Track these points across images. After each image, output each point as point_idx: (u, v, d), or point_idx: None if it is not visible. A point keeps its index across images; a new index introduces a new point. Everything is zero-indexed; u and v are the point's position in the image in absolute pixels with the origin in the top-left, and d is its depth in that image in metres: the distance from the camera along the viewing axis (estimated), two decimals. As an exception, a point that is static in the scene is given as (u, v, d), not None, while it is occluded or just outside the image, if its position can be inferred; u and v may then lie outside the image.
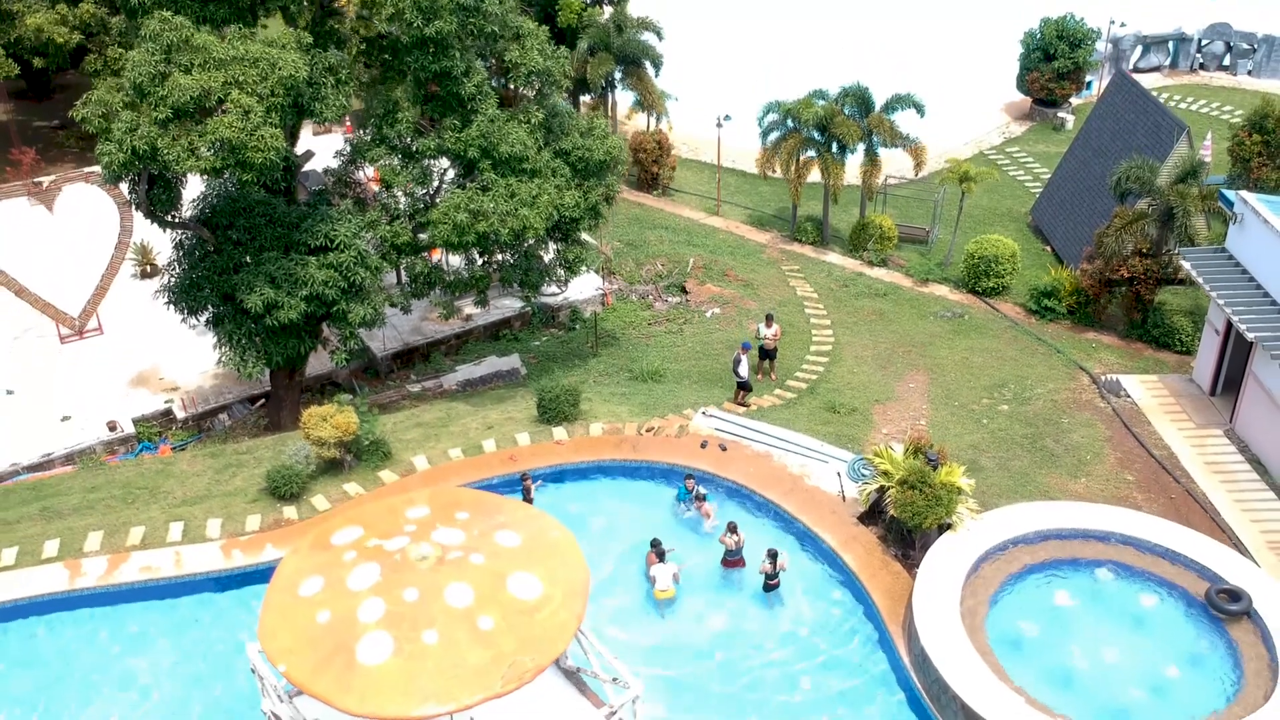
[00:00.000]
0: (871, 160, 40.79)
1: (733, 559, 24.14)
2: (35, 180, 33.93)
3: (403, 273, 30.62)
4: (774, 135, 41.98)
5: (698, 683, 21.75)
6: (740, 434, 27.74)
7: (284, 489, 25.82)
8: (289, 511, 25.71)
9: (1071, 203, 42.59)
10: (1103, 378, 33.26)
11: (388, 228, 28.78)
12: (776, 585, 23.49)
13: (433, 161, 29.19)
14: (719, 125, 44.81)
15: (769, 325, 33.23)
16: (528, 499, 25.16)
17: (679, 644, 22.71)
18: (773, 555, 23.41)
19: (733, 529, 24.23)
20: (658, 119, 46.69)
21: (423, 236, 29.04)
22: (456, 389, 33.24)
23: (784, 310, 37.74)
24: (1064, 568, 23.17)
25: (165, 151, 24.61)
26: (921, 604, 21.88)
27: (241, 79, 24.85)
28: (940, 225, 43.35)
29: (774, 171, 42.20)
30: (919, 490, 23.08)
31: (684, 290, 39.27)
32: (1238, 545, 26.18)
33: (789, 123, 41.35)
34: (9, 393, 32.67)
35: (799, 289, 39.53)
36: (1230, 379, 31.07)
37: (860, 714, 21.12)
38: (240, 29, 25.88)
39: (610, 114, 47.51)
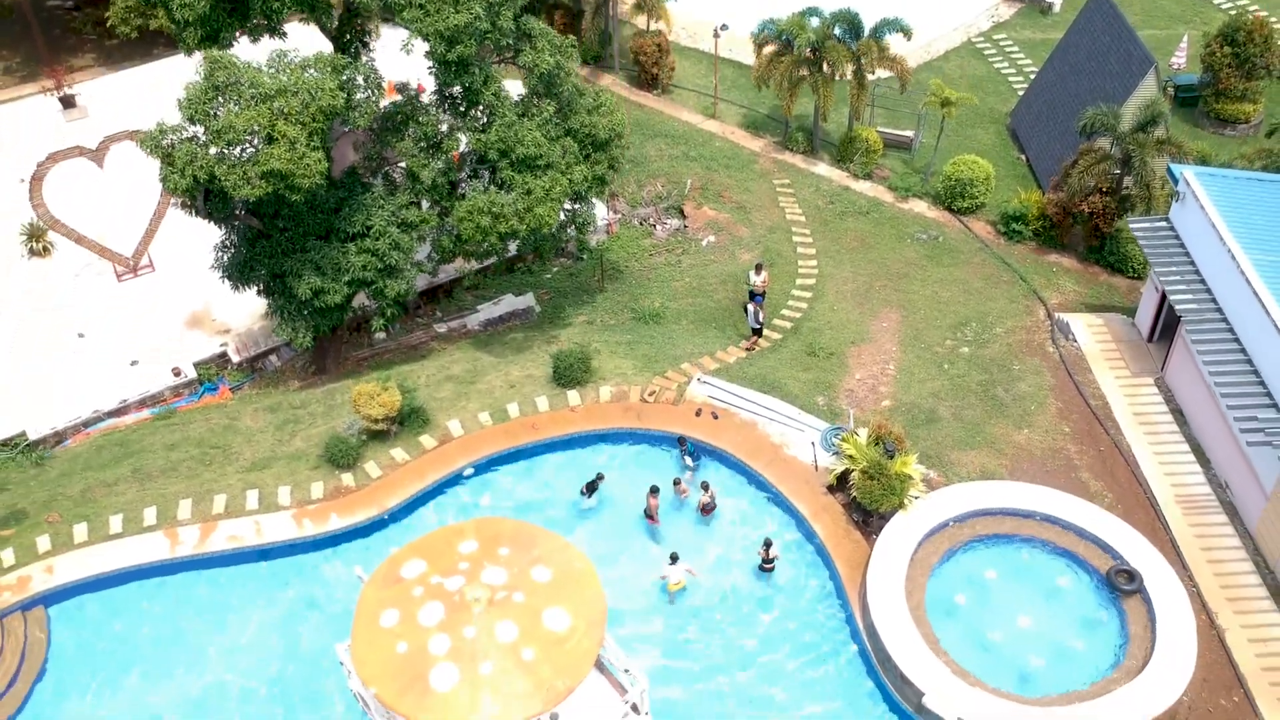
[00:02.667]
0: (860, 83, 43.23)
1: (708, 508, 29.14)
2: (82, 146, 36.64)
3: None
4: (769, 49, 44.20)
5: (678, 634, 27.03)
6: (731, 402, 32.11)
7: (340, 459, 30.39)
8: (347, 479, 30.37)
9: (1047, 115, 45.27)
10: (1055, 316, 37.22)
11: (417, 213, 32.16)
12: (772, 569, 28.42)
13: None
14: (716, 35, 46.85)
15: (758, 273, 37.02)
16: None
17: (679, 604, 27.95)
18: (767, 544, 28.28)
19: (705, 488, 29.09)
20: (658, 19, 48.48)
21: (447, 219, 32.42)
22: (479, 329, 37.29)
23: (773, 237, 41.29)
24: (993, 544, 28.07)
25: (222, 179, 27.88)
26: (873, 579, 26.89)
27: (286, 110, 27.81)
28: (925, 130, 46.08)
29: (769, 87, 44.62)
30: (877, 480, 27.71)
31: (682, 213, 42.61)
32: (1150, 499, 31.05)
33: (783, 38, 43.46)
34: (80, 336, 36.65)
35: (788, 210, 42.85)
36: (1168, 326, 35.03)
37: (819, 672, 26.47)
38: (280, 55, 28.54)
39: (612, 14, 49.20)
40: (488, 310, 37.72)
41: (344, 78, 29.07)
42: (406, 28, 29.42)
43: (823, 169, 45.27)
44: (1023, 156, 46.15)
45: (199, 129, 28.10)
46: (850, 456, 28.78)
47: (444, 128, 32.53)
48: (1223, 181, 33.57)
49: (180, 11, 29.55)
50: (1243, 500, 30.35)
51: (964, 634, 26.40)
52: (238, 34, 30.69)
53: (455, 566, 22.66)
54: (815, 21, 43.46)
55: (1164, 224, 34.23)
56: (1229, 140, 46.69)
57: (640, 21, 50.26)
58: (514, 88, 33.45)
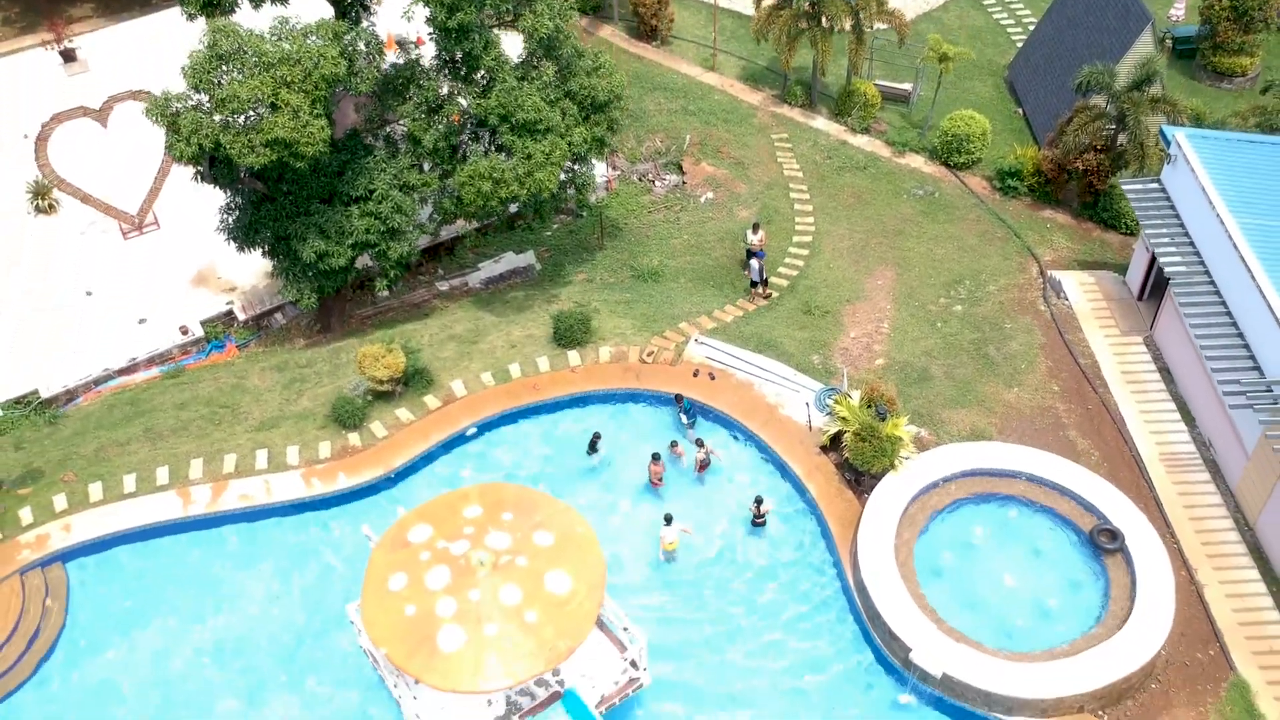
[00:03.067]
0: (859, 37, 43.37)
1: (704, 465, 30.22)
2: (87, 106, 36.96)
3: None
4: (768, 1, 44.29)
5: (674, 590, 28.05)
6: (728, 362, 32.84)
7: (347, 419, 31.20)
8: (353, 439, 31.20)
9: (1044, 69, 45.45)
10: (1048, 274, 37.82)
11: (419, 176, 32.63)
12: (763, 524, 29.35)
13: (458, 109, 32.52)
14: (715, -9, 46.84)
15: (755, 232, 37.58)
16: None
17: (676, 562, 28.94)
18: (759, 501, 29.19)
19: (700, 444, 30.08)
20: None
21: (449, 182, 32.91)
22: (480, 287, 37.91)
23: (770, 194, 41.75)
24: (980, 503, 28.96)
25: (228, 147, 28.35)
26: (864, 538, 27.83)
27: (288, 79, 28.20)
28: (923, 83, 46.29)
29: (767, 40, 44.77)
30: (868, 442, 28.53)
31: (681, 169, 43.00)
32: (1136, 457, 31.90)
33: (782, -12, 43.54)
34: (89, 294, 37.27)
35: (786, 166, 43.24)
36: (1157, 285, 35.64)
37: (812, 625, 27.50)
38: (282, 22, 28.86)
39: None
40: (489, 268, 38.29)
41: (345, 43, 29.33)
42: (407, -6, 29.69)
43: (821, 123, 45.55)
44: (1020, 110, 46.40)
45: (204, 97, 28.46)
46: (843, 418, 29.58)
47: (444, 90, 32.88)
48: (1214, 143, 33.95)
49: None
50: (1225, 458, 31.19)
51: (951, 591, 27.37)
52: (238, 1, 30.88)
53: (460, 531, 23.53)
54: (814, -25, 43.45)
55: (1155, 185, 34.69)
56: (1225, 93, 46.94)
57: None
58: (513, 44, 33.62)
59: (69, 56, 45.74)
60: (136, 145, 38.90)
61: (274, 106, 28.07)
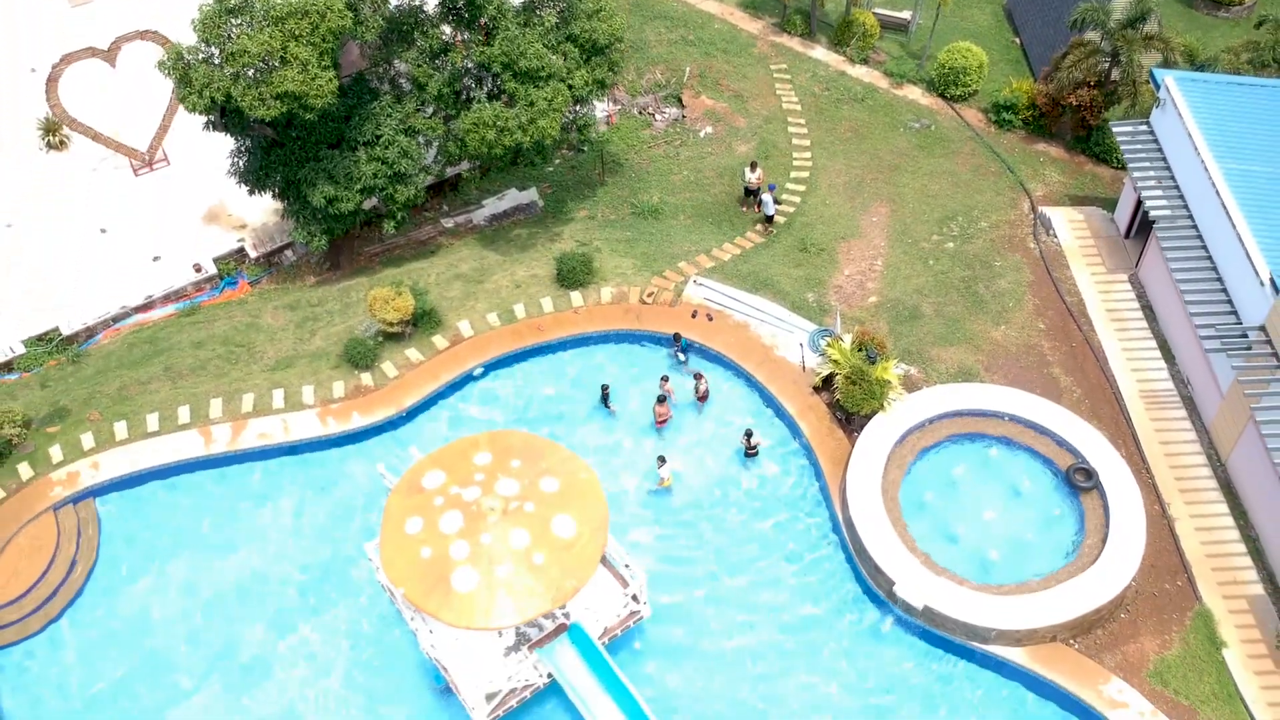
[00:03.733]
0: (858, -30, 43.63)
1: (704, 396, 31.91)
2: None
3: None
4: (767, -69, 44.45)
5: (672, 524, 29.72)
6: (724, 304, 34.02)
7: (359, 360, 32.52)
8: (366, 379, 32.54)
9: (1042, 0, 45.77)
10: (1039, 210, 38.75)
11: (424, 121, 33.43)
12: (755, 454, 30.85)
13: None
14: (715, -84, 46.80)
15: (753, 170, 38.45)
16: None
17: (679, 490, 30.54)
18: (748, 434, 30.65)
19: (698, 378, 31.82)
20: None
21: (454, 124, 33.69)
22: (485, 224, 38.89)
23: (769, 128, 42.44)
24: (964, 442, 30.42)
25: (239, 99, 29.18)
26: (852, 477, 29.37)
27: (297, 32, 28.90)
28: (922, 11, 46.58)
29: (766, -30, 45.02)
30: (858, 385, 29.90)
31: (680, 102, 43.62)
32: (1116, 394, 33.27)
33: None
34: (103, 231, 38.27)
35: (784, 98, 43.81)
36: (1144, 224, 36.59)
37: (801, 558, 29.19)
38: (288, -26, 29.42)
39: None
40: (492, 205, 39.21)
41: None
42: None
43: (820, 53, 45.95)
44: (1017, 40, 46.78)
45: (214, 50, 29.17)
46: (835, 361, 30.87)
47: (447, 30, 33.47)
48: (1204, 87, 34.63)
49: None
50: (1201, 396, 32.57)
51: (934, 527, 28.98)
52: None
53: (471, 478, 25.02)
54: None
55: (1145, 128, 35.44)
56: (1223, 22, 47.28)
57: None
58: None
59: (72, -13, 45.85)
60: (145, 84, 39.54)
61: (283, 60, 28.75)
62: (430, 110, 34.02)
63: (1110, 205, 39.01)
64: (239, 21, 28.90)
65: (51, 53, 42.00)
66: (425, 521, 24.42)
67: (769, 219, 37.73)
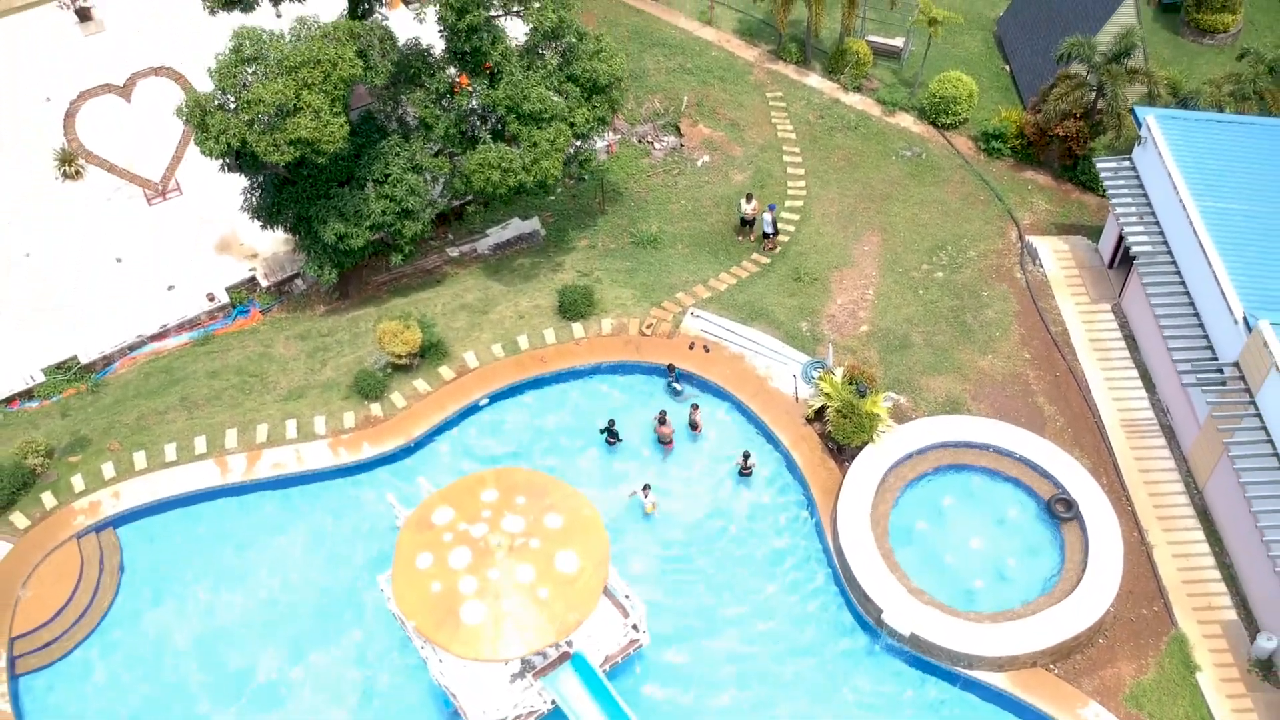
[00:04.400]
0: (851, 1, 44.78)
1: (696, 425, 33.25)
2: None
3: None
4: (763, -37, 45.64)
5: (669, 549, 31.07)
6: (721, 335, 35.27)
7: (369, 391, 33.77)
8: (375, 409, 33.80)
9: (1031, 28, 46.92)
10: (1026, 240, 40.00)
11: (432, 160, 34.66)
12: (749, 474, 32.19)
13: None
14: (713, -54, 47.98)
15: (749, 201, 39.70)
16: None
17: (672, 510, 31.85)
18: (745, 455, 31.98)
19: (695, 408, 33.21)
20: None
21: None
22: (489, 253, 40.13)
23: (764, 156, 43.66)
24: (950, 473, 31.71)
25: (254, 144, 30.40)
26: (843, 507, 30.65)
27: (310, 80, 30.11)
28: (914, 39, 47.78)
29: None
30: (849, 419, 31.17)
31: (679, 131, 44.83)
32: (1098, 423, 34.53)
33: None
34: (118, 260, 39.47)
35: (780, 127, 45.01)
36: (1126, 254, 37.80)
37: (794, 582, 30.49)
38: (302, 25, 30.63)
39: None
40: (496, 234, 40.44)
41: (362, 44, 31.10)
42: (418, -3, 31.35)
43: (814, 80, 47.13)
44: (1007, 67, 47.96)
45: (230, 98, 30.38)
46: (826, 394, 32.13)
47: (452, 72, 34.66)
48: (1183, 125, 35.86)
49: (205, -22, 31.41)
50: (1180, 424, 33.85)
51: (921, 556, 30.27)
52: (259, -2, 32.52)
53: (479, 515, 26.30)
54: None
55: (1127, 164, 36.67)
56: (1208, 49, 48.46)
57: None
58: (518, 24, 35.19)
59: (84, 15, 47.01)
60: (158, 116, 40.72)
61: (296, 107, 29.95)
62: (436, 148, 35.17)
63: (1096, 233, 40.26)
64: (253, 70, 30.06)
65: (66, 82, 43.15)
66: (435, 557, 25.70)
67: (767, 235, 39.04)
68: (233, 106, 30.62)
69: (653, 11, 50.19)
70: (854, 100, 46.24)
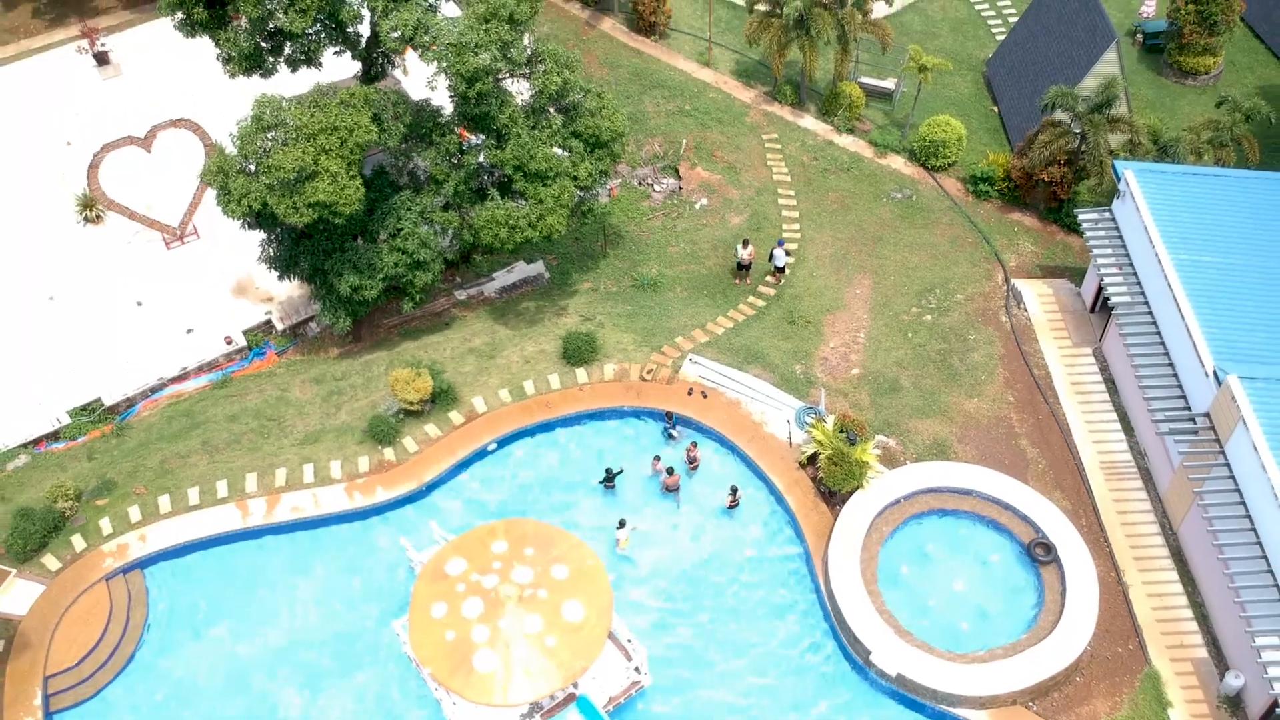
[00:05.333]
0: (844, 49, 46.43)
1: (694, 463, 35.07)
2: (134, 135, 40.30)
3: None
4: (760, 8, 47.24)
5: (671, 590, 32.68)
6: (719, 382, 36.91)
7: (382, 436, 35.40)
8: (388, 453, 35.43)
9: (1019, 71, 48.55)
10: (1011, 283, 41.63)
11: (443, 215, 36.29)
12: (736, 505, 33.87)
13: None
14: (709, -6, 49.69)
15: (745, 248, 41.33)
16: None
17: (671, 552, 33.46)
18: (734, 489, 33.68)
19: (693, 446, 34.92)
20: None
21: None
22: (496, 296, 41.76)
23: (760, 199, 45.30)
24: (936, 517, 33.36)
25: (274, 206, 32.04)
26: (833, 551, 32.30)
27: (327, 146, 31.75)
28: (906, 80, 49.39)
29: (759, 45, 47.85)
30: (840, 466, 32.82)
31: (677, 173, 46.46)
32: (1079, 465, 36.17)
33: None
34: (139, 304, 41.09)
35: (775, 170, 46.63)
36: (1108, 300, 39.39)
37: (787, 622, 32.13)
38: (320, 93, 32.24)
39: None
40: (502, 277, 42.05)
41: (376, 109, 32.73)
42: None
43: (809, 122, 48.76)
44: (996, 108, 49.59)
45: (251, 163, 32.01)
46: (818, 441, 33.78)
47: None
48: (1160, 178, 37.49)
49: (227, 48, 33.04)
50: (1156, 467, 35.49)
51: (907, 598, 31.91)
52: (277, 64, 34.10)
53: (490, 566, 27.96)
54: (803, -18, 46.35)
55: (1108, 215, 38.31)
56: (1190, 89, 50.12)
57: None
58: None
59: (102, 59, 48.66)
60: (178, 165, 42.35)
61: (314, 173, 31.58)
62: (445, 201, 36.78)
63: (1079, 274, 41.90)
64: (273, 135, 31.66)
65: (87, 126, 44.79)
66: (449, 607, 27.38)
67: (779, 270, 41.08)
68: (254, 170, 32.19)
69: (652, 53, 51.78)
70: (847, 142, 47.86)
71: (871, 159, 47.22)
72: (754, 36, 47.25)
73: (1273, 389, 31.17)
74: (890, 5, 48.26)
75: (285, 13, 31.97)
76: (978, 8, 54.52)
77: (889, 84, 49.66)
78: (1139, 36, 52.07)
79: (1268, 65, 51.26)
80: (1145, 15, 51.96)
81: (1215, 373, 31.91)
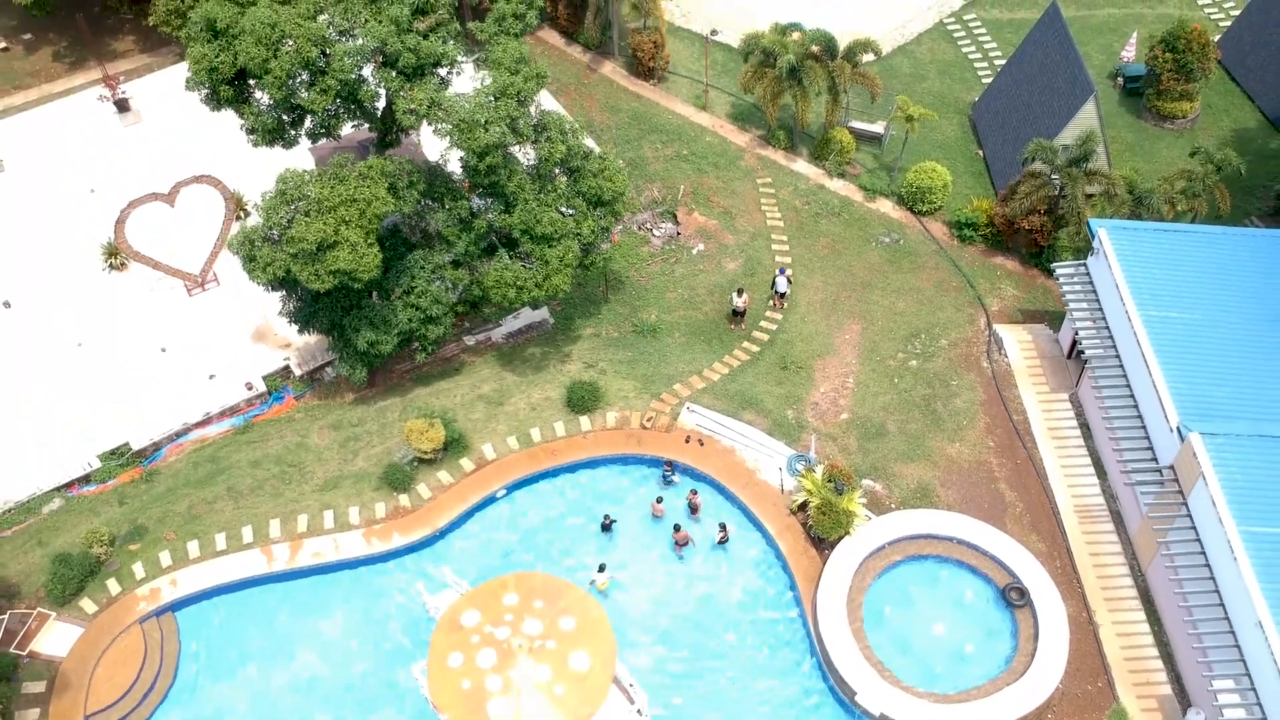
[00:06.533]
0: (835, 99, 48.52)
1: (696, 508, 37.28)
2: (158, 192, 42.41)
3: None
4: (754, 58, 49.30)
5: (669, 632, 34.94)
6: (714, 429, 39.11)
7: (398, 483, 37.61)
8: (404, 499, 37.63)
9: (1003, 117, 50.66)
10: (993, 328, 43.80)
11: (453, 272, 38.43)
12: (725, 541, 36.20)
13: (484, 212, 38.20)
14: (707, 42, 51.80)
15: (740, 296, 43.50)
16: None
17: (666, 593, 35.70)
18: (723, 525, 36.20)
19: (694, 493, 37.20)
20: (653, 19, 53.05)
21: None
22: (502, 341, 43.91)
23: (754, 245, 47.45)
24: (918, 562, 35.59)
25: (297, 273, 34.18)
26: (822, 595, 34.53)
27: (347, 218, 33.88)
28: (894, 124, 51.45)
29: (753, 94, 49.95)
30: (828, 515, 35.06)
31: (675, 218, 48.58)
32: (1054, 509, 38.39)
33: (767, 53, 48.49)
34: (163, 350, 43.22)
35: (769, 214, 48.76)
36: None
37: (777, 663, 34.40)
38: (339, 166, 34.36)
39: (613, 7, 53.56)
40: (509, 323, 44.19)
41: (392, 181, 34.86)
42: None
43: (801, 165, 50.88)
44: (981, 152, 51.70)
45: (276, 232, 34.14)
46: (808, 490, 36.00)
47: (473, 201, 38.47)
48: (1132, 235, 39.65)
49: (250, 120, 35.15)
50: (1126, 510, 37.72)
51: (891, 640, 34.16)
52: (299, 136, 36.20)
53: (502, 618, 30.19)
54: (796, 35, 48.48)
55: (1083, 269, 40.47)
56: (1167, 133, 52.24)
57: (637, 21, 54.48)
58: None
59: (123, 106, 50.72)
60: (199, 217, 44.46)
61: (335, 243, 33.71)
62: (455, 258, 38.89)
63: (1058, 318, 44.06)
64: (294, 207, 33.76)
65: (110, 173, 46.87)
66: (465, 657, 29.61)
67: (782, 295, 43.85)
68: (278, 238, 34.31)
69: (651, 97, 53.86)
70: (838, 186, 49.99)
71: (861, 203, 49.33)
72: (749, 85, 49.35)
73: (1233, 445, 33.39)
74: (873, 101, 49.92)
75: (307, 91, 34.00)
76: (965, 50, 56.53)
77: (878, 127, 51.75)
78: (1119, 79, 54.16)
79: (1242, 108, 53.34)
80: (1126, 59, 54.01)
81: (1179, 429, 34.08)
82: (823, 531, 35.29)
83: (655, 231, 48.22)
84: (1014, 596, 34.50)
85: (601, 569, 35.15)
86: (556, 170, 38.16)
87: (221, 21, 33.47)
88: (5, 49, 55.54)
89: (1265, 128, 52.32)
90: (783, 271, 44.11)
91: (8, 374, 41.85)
